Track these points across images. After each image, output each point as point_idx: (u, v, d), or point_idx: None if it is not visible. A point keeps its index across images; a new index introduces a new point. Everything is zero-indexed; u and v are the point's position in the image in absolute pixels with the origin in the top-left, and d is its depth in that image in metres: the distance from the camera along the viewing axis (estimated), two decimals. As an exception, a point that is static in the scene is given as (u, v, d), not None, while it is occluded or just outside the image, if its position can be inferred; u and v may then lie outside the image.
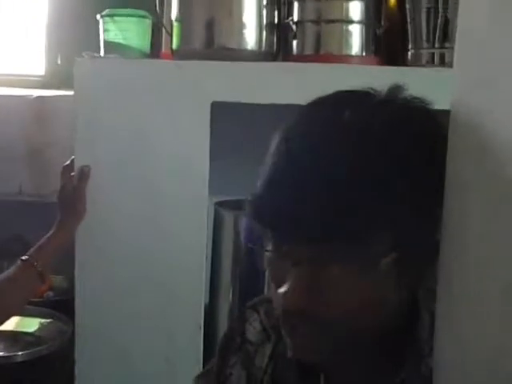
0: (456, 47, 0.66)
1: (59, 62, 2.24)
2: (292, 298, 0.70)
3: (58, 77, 2.25)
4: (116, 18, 1.54)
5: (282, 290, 0.70)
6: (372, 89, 0.76)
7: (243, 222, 1.64)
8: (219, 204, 1.70)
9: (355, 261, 0.68)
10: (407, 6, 1.53)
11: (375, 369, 0.80)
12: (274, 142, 0.75)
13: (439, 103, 0.79)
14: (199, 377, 1.02)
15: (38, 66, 2.37)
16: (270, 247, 0.73)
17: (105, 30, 1.56)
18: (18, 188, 2.17)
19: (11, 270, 1.45)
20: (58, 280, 2.09)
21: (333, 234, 0.67)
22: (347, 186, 0.67)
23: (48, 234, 1.51)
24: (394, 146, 0.70)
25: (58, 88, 2.22)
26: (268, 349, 0.91)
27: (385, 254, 0.69)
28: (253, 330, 0.94)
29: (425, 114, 0.75)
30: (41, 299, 1.99)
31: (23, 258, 1.44)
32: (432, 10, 1.47)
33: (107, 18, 1.55)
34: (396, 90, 0.75)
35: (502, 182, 0.55)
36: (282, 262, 0.72)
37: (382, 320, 0.75)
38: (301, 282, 0.69)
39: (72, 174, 1.53)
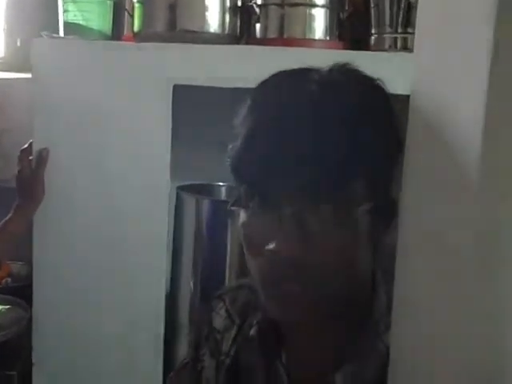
0: (416, 32, 0.66)
1: (19, 44, 2.19)
2: (285, 247, 0.72)
3: (17, 59, 2.20)
4: (76, -1, 1.51)
5: (271, 244, 0.72)
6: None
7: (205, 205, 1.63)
8: (181, 188, 1.69)
9: (338, 207, 0.72)
10: (371, -10, 1.53)
11: (334, 343, 0.81)
12: (244, 105, 0.78)
13: (401, 88, 0.79)
14: (176, 373, 1.04)
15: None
16: (249, 209, 0.76)
17: (64, 11, 1.53)
18: (-25, 173, 2.13)
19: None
20: (17, 266, 2.06)
21: (316, 180, 0.71)
22: (325, 137, 0.71)
23: (5, 219, 1.48)
24: (361, 99, 0.75)
25: (18, 71, 2.17)
26: (232, 333, 0.92)
27: (361, 202, 0.73)
28: (219, 318, 0.96)
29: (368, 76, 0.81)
30: (-1, 286, 1.96)
31: (-22, 243, 1.41)
32: (395, -5, 1.47)
33: (67, -2, 1.52)
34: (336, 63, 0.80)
35: (459, 166, 0.55)
36: (263, 221, 0.74)
37: (352, 284, 0.78)
38: (292, 230, 0.72)
39: (30, 157, 1.49)
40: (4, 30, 2.26)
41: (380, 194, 0.75)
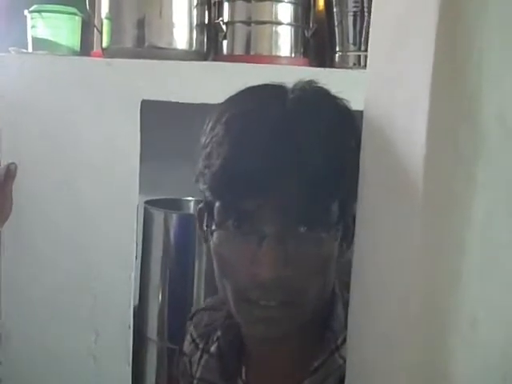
0: (369, 48, 0.69)
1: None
2: (266, 269, 0.72)
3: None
4: (44, 14, 1.52)
5: (251, 266, 0.73)
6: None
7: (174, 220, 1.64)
8: (149, 203, 1.70)
9: (316, 228, 0.74)
10: (334, 9, 1.57)
11: (294, 358, 0.83)
12: (213, 121, 0.79)
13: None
14: None
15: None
16: (224, 230, 0.76)
17: (32, 26, 1.54)
18: None
19: None
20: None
21: (296, 202, 0.72)
22: (307, 159, 0.72)
23: (-28, 233, 1.48)
24: (331, 119, 0.77)
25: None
26: (197, 357, 0.93)
27: (336, 223, 0.75)
28: (187, 342, 0.98)
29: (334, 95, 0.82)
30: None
31: None
32: (358, 14, 1.51)
33: (35, 14, 1.53)
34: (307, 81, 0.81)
35: (408, 177, 0.57)
36: (240, 241, 0.75)
37: (318, 300, 0.79)
38: (273, 252, 0.72)
39: (-2, 171, 1.50)
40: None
41: (349, 214, 0.75)
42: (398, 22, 0.61)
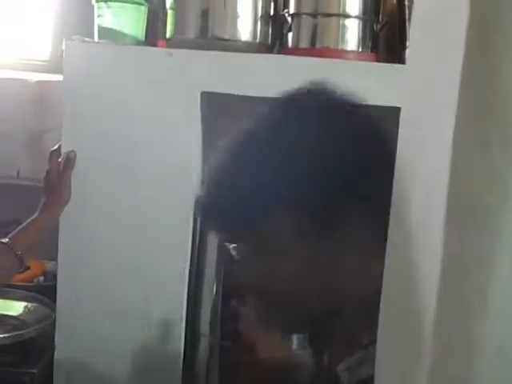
0: (409, 43, 0.65)
1: (63, 47, 2.23)
2: None
3: (61, 62, 2.23)
4: (110, 4, 1.52)
5: None
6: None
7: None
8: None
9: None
10: (406, 2, 1.50)
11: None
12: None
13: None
14: None
15: (43, 51, 2.37)
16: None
17: (99, 16, 1.55)
18: (16, 172, 2.17)
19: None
20: (50, 265, 2.08)
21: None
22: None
23: (31, 218, 1.49)
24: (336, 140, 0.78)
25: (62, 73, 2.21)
26: None
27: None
28: None
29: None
30: (31, 284, 1.98)
31: (3, 240, 1.43)
32: (430, 8, 1.44)
33: (101, 3, 1.53)
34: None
35: (435, 186, 0.53)
36: None
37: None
38: None
39: (59, 159, 1.51)
40: (50, 33, 2.30)
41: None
42: (433, 17, 0.56)
